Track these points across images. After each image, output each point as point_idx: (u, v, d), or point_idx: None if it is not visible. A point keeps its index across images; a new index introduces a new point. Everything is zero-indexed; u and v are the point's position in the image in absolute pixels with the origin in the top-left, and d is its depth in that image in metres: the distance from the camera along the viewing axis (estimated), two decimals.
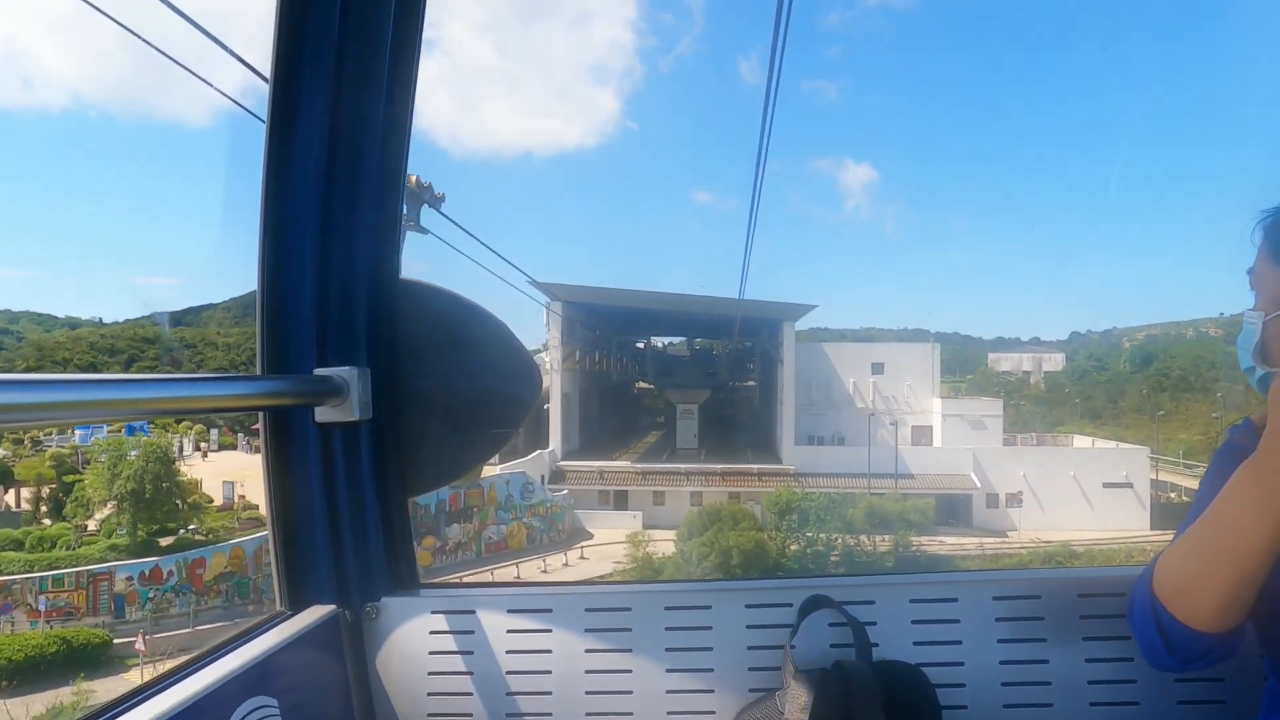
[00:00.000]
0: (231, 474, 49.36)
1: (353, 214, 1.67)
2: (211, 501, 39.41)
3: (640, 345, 59.52)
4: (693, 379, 60.28)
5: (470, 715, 1.69)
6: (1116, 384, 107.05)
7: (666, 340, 73.24)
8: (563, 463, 49.98)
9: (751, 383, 72.20)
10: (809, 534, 39.05)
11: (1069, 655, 1.59)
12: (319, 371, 1.62)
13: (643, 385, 70.16)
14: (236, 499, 40.11)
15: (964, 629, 1.63)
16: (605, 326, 58.69)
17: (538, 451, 48.64)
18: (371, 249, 1.69)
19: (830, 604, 1.63)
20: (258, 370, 1.65)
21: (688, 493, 49.40)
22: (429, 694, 1.70)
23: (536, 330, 51.52)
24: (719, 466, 49.79)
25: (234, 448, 60.93)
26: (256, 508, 40.00)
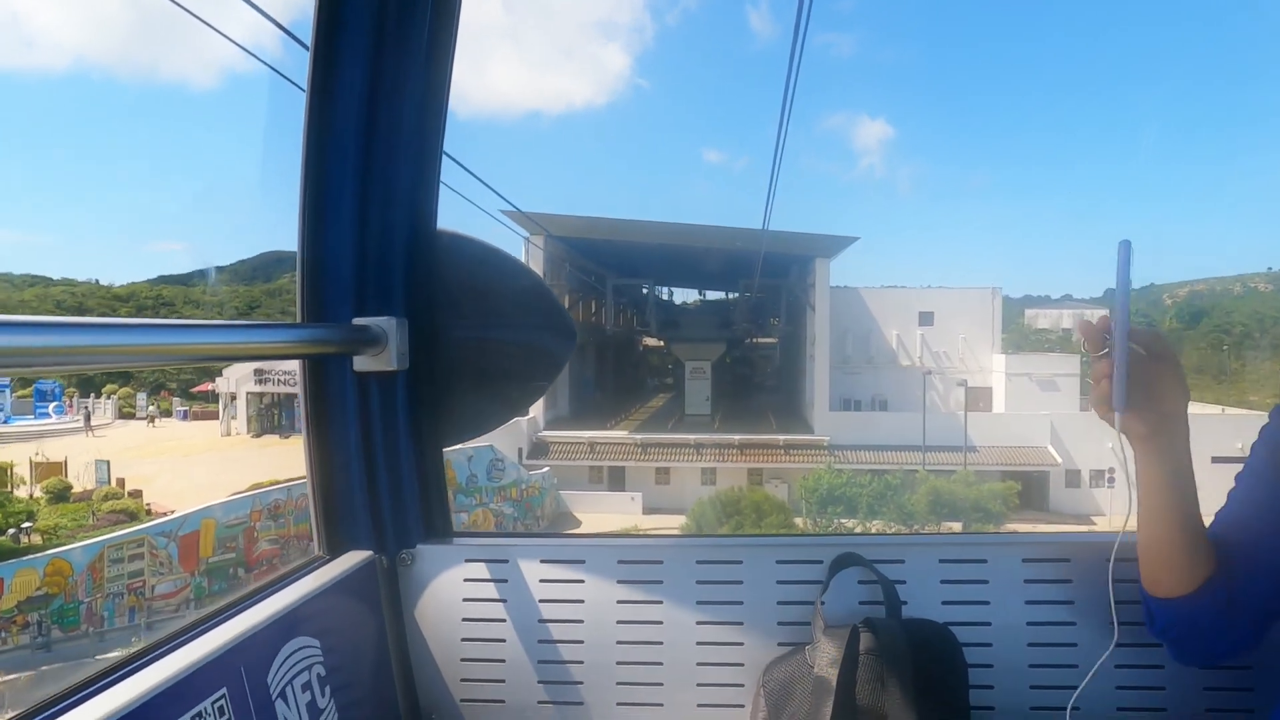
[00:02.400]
0: (134, 449, 40.19)
1: (391, 165, 1.68)
2: (69, 489, 29.98)
3: (643, 291, 49.57)
4: (704, 330, 50.95)
5: (504, 661, 1.71)
6: (1171, 342, 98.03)
7: (674, 293, 63.17)
8: (545, 433, 41.11)
9: (771, 339, 62.74)
10: (858, 529, 29.68)
11: (1097, 619, 1.59)
12: (358, 321, 1.64)
13: (650, 342, 60.69)
14: (113, 484, 30.67)
15: (992, 589, 1.64)
16: (601, 268, 49.04)
17: (513, 419, 39.06)
18: (409, 200, 1.70)
19: (860, 561, 1.64)
20: (298, 319, 1.67)
21: (698, 469, 41.53)
22: (463, 639, 1.72)
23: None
24: (736, 437, 41.22)
25: (169, 414, 51.70)
26: (137, 495, 30.60)
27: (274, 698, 1.33)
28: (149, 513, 28.79)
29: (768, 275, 44.86)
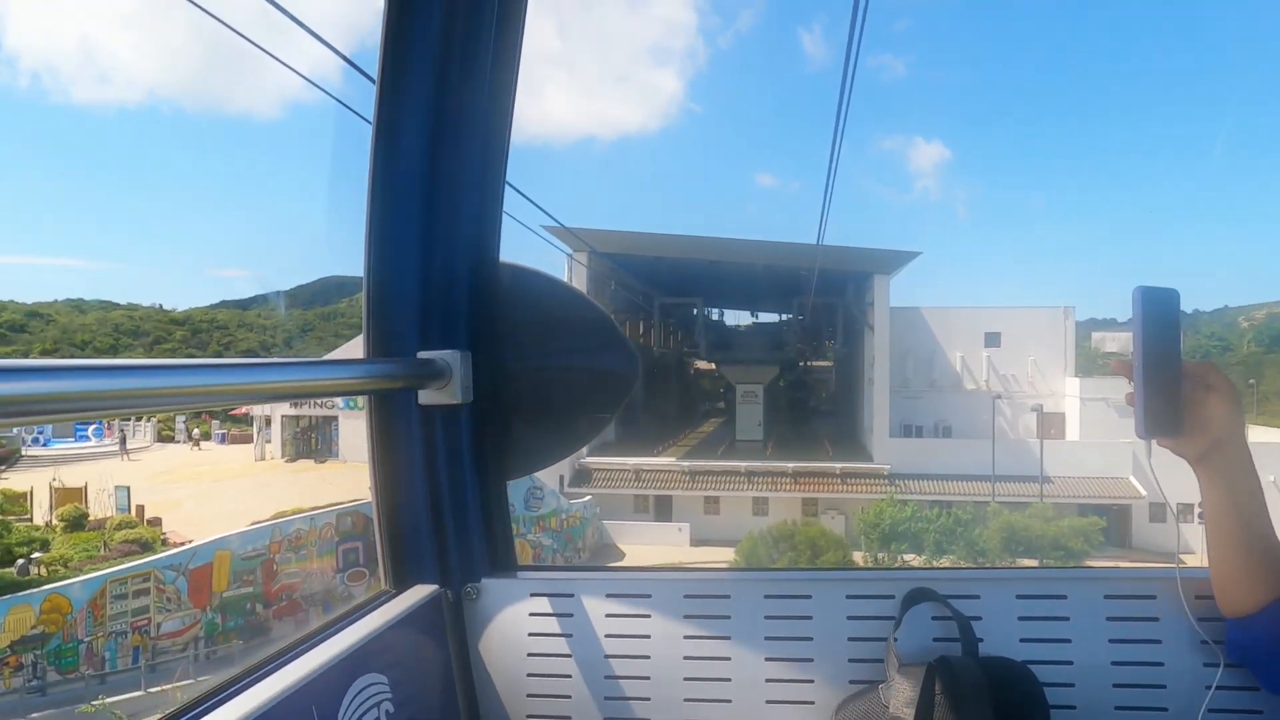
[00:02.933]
0: (166, 473, 39.06)
1: (455, 199, 1.70)
2: (85, 517, 28.60)
3: (693, 311, 47.34)
4: (756, 352, 48.70)
5: (570, 698, 1.70)
6: (1250, 366, 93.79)
7: (724, 314, 60.83)
8: (588, 459, 39.11)
9: (826, 362, 60.16)
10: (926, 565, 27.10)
11: (1185, 658, 1.53)
12: (422, 355, 1.65)
13: (702, 365, 58.57)
14: (132, 512, 29.26)
15: (1073, 627, 1.58)
16: (648, 287, 46.99)
17: (576, 451, 37.11)
18: (473, 233, 1.73)
19: (934, 597, 1.60)
20: (364, 354, 1.69)
21: (749, 498, 39.31)
22: (529, 675, 1.72)
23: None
24: (790, 465, 38.84)
25: (208, 437, 50.73)
26: (156, 524, 29.17)
27: None
28: (164, 543, 27.25)
29: (823, 294, 42.53)
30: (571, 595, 1.71)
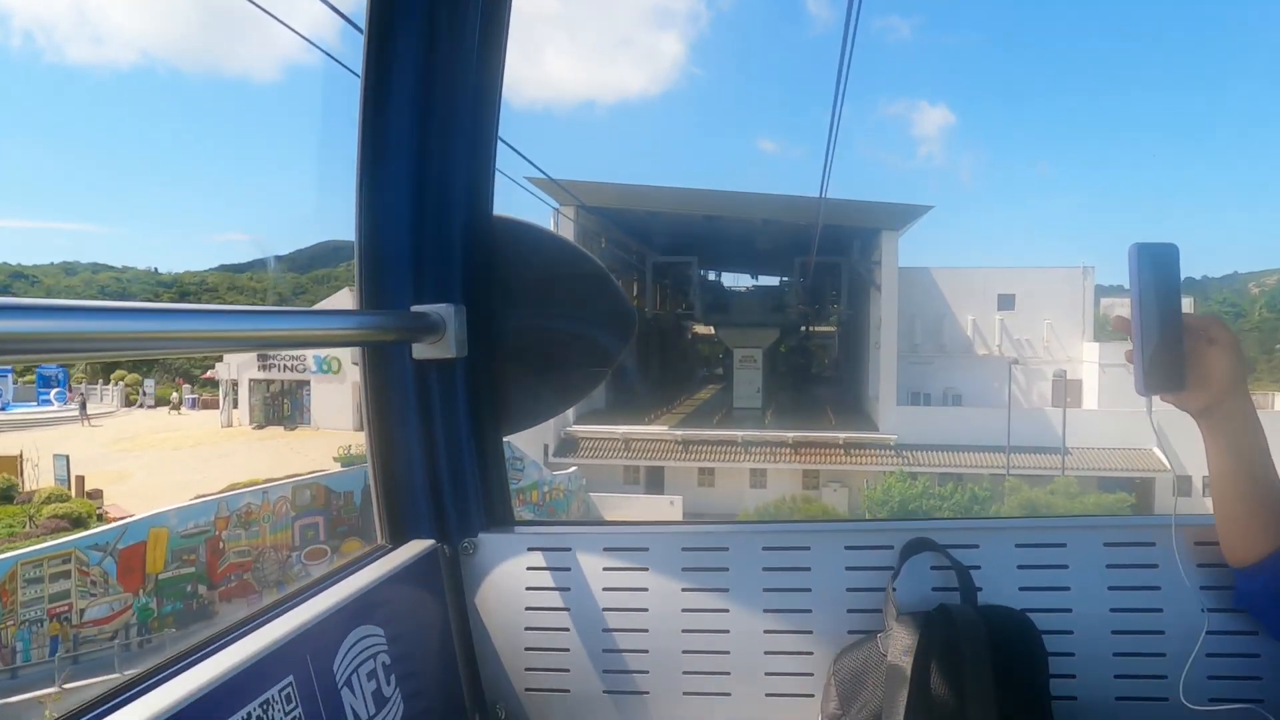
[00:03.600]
0: (126, 440, 36.58)
1: (447, 152, 1.69)
2: (14, 488, 26.12)
3: (688, 270, 44.54)
4: (755, 315, 46.00)
5: (567, 650, 1.71)
6: (1266, 331, 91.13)
7: (724, 277, 57.95)
8: (575, 427, 36.67)
9: (829, 327, 57.43)
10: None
11: (1184, 605, 1.54)
12: (416, 308, 1.64)
13: (701, 329, 56.00)
14: (71, 482, 26.74)
15: (1072, 575, 1.60)
16: (641, 245, 44.10)
17: (573, 405, 34.74)
18: (466, 186, 1.71)
19: (933, 547, 1.61)
20: (357, 306, 1.69)
21: (746, 470, 37.00)
22: (526, 628, 1.73)
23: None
24: (789, 434, 36.33)
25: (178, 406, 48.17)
26: (96, 496, 26.67)
27: (340, 686, 1.35)
28: (100, 519, 24.75)
29: (826, 252, 39.77)
30: (569, 549, 1.72)
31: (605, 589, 1.70)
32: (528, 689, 1.72)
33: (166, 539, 22.29)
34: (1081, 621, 1.57)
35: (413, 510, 1.72)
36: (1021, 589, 1.59)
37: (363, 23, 1.66)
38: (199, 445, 36.40)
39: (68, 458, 27.86)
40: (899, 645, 1.45)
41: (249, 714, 1.15)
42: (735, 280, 59.76)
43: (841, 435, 36.43)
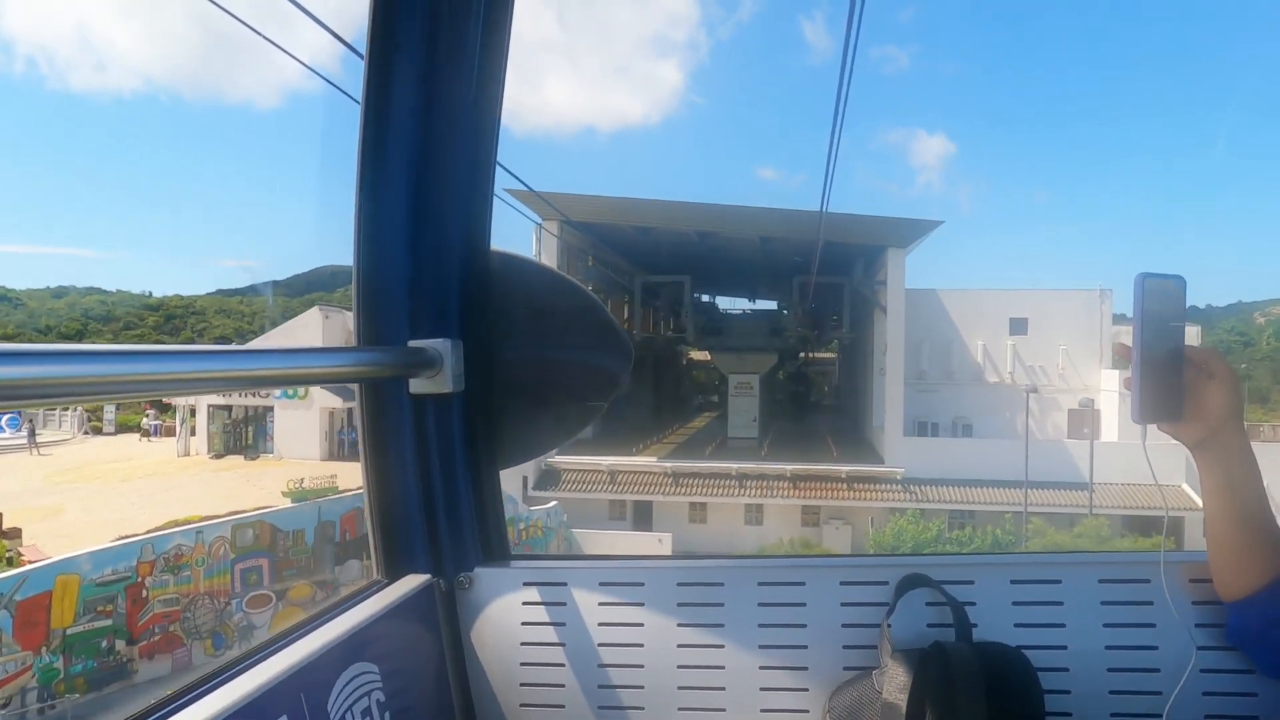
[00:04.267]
0: (71, 470, 33.89)
1: (445, 187, 1.70)
2: None
3: (680, 291, 41.89)
4: (751, 339, 43.43)
5: (563, 686, 1.72)
6: (1277, 361, 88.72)
7: (717, 300, 55.37)
8: (557, 458, 34.04)
9: (830, 354, 54.90)
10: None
11: (1179, 642, 1.54)
12: (413, 343, 1.67)
13: (697, 356, 53.53)
14: None
15: (1067, 612, 1.60)
16: (629, 263, 41.55)
17: (570, 439, 32.02)
18: (463, 221, 1.72)
19: (928, 583, 1.61)
20: (355, 342, 1.70)
21: (740, 505, 34.41)
22: (522, 664, 1.74)
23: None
24: (788, 467, 33.79)
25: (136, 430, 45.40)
26: (14, 535, 23.91)
27: None
28: (11, 562, 21.97)
29: (827, 271, 37.20)
30: (564, 584, 1.73)
31: (601, 624, 1.70)
32: None
33: (78, 588, 19.49)
34: (1077, 658, 1.58)
35: (408, 545, 1.72)
36: (1017, 625, 1.60)
37: (364, 56, 1.67)
38: (150, 477, 33.67)
39: None
40: (894, 683, 1.47)
41: None
42: (732, 304, 57.33)
43: (844, 468, 33.78)
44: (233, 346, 1.24)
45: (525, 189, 30.66)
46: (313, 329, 35.20)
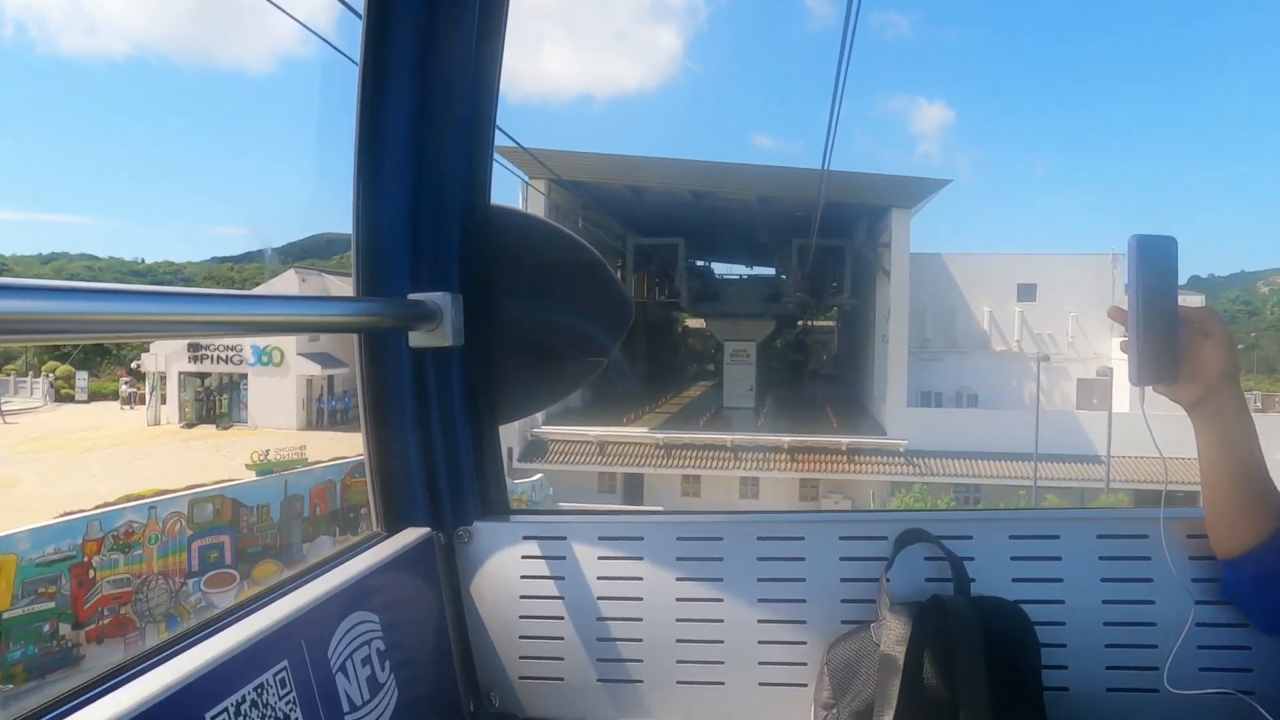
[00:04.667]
0: (36, 440, 32.31)
1: (444, 141, 1.71)
2: None
3: (674, 255, 40.09)
4: (748, 305, 41.85)
5: (562, 639, 1.73)
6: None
7: (713, 267, 53.57)
8: (544, 428, 32.48)
9: (829, 321, 53.31)
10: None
11: (1176, 598, 1.56)
12: (413, 296, 1.67)
13: (693, 323, 51.92)
14: None
15: (1065, 567, 1.62)
16: (621, 225, 39.72)
17: (568, 395, 30.65)
18: (463, 175, 1.73)
19: (927, 538, 1.63)
20: (354, 293, 1.72)
21: (736, 478, 32.73)
22: (521, 616, 1.75)
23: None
24: (785, 438, 32.30)
25: (114, 397, 43.71)
26: None
27: (334, 671, 1.35)
28: None
29: (829, 234, 35.48)
30: (564, 538, 1.74)
31: (600, 578, 1.72)
32: (522, 677, 1.75)
33: (15, 568, 17.95)
34: (1074, 613, 1.59)
35: (408, 498, 1.73)
36: (1015, 580, 1.61)
37: (362, 11, 1.66)
38: (116, 447, 32.13)
39: None
40: (892, 635, 1.47)
41: (243, 697, 1.15)
42: (728, 270, 55.54)
43: (844, 440, 32.30)
44: (231, 291, 1.21)
45: (514, 144, 28.86)
46: (291, 290, 33.65)
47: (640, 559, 1.70)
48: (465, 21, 1.65)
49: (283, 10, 7.32)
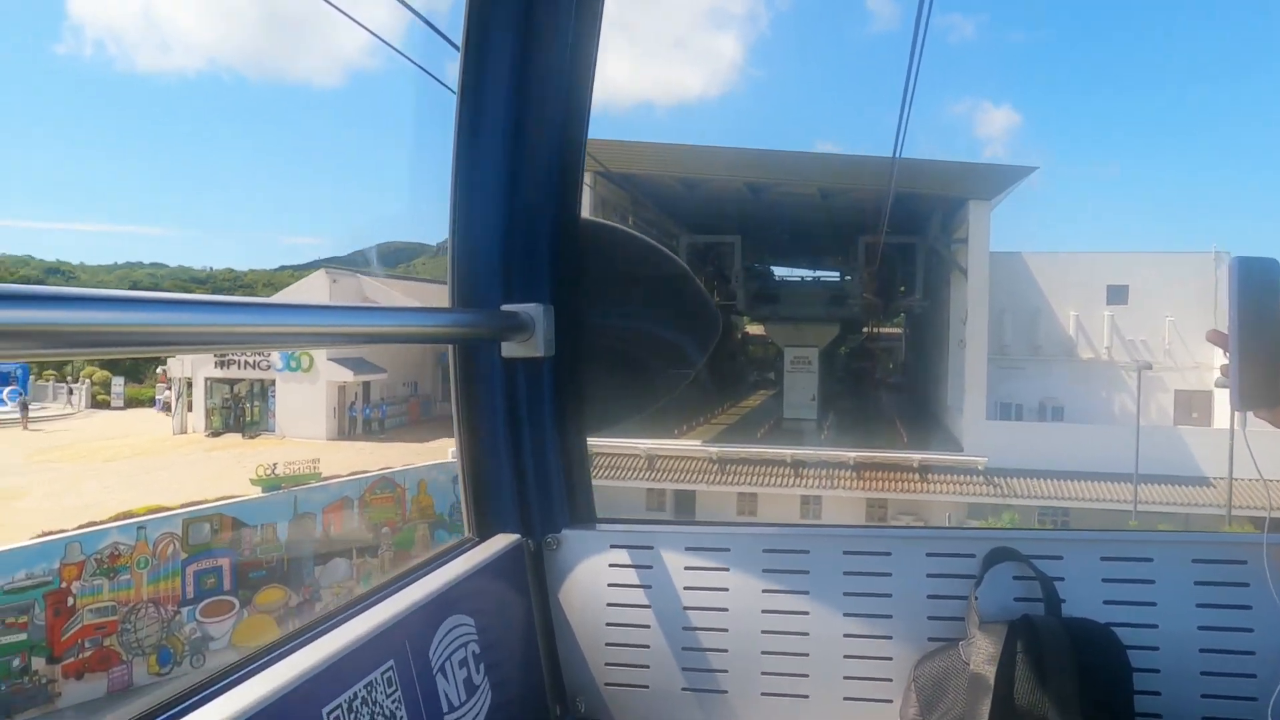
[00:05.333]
0: (57, 449, 30.92)
1: (538, 155, 1.74)
2: None
3: (729, 253, 37.41)
4: (809, 308, 38.96)
5: (648, 648, 1.74)
6: None
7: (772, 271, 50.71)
8: (590, 440, 29.16)
9: (896, 329, 50.22)
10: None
11: (1276, 625, 1.52)
12: (506, 307, 1.70)
13: (754, 329, 49.27)
14: None
15: (1159, 590, 1.59)
16: (673, 220, 37.18)
17: (654, 407, 28.35)
18: (555, 189, 1.76)
19: (1016, 557, 1.61)
20: (449, 305, 1.75)
21: (796, 496, 29.66)
22: (608, 624, 1.77)
23: None
24: (850, 453, 29.69)
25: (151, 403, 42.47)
26: None
27: (435, 672, 1.39)
28: None
29: (898, 230, 32.49)
30: (651, 547, 1.75)
31: (686, 588, 1.72)
32: (608, 683, 1.76)
33: None
34: (1168, 638, 1.55)
35: (498, 505, 1.77)
36: (1106, 602, 1.58)
37: (442, 26, 1.79)
38: (137, 457, 30.58)
39: None
40: (982, 654, 1.46)
41: (355, 694, 1.21)
42: (790, 273, 52.72)
43: (916, 456, 29.28)
44: (327, 303, 1.27)
45: None
46: (319, 293, 31.98)
47: (726, 569, 1.71)
48: (559, 42, 1.68)
49: (364, 26, 7.05)
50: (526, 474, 1.76)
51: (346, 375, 34.21)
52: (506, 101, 1.68)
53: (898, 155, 22.11)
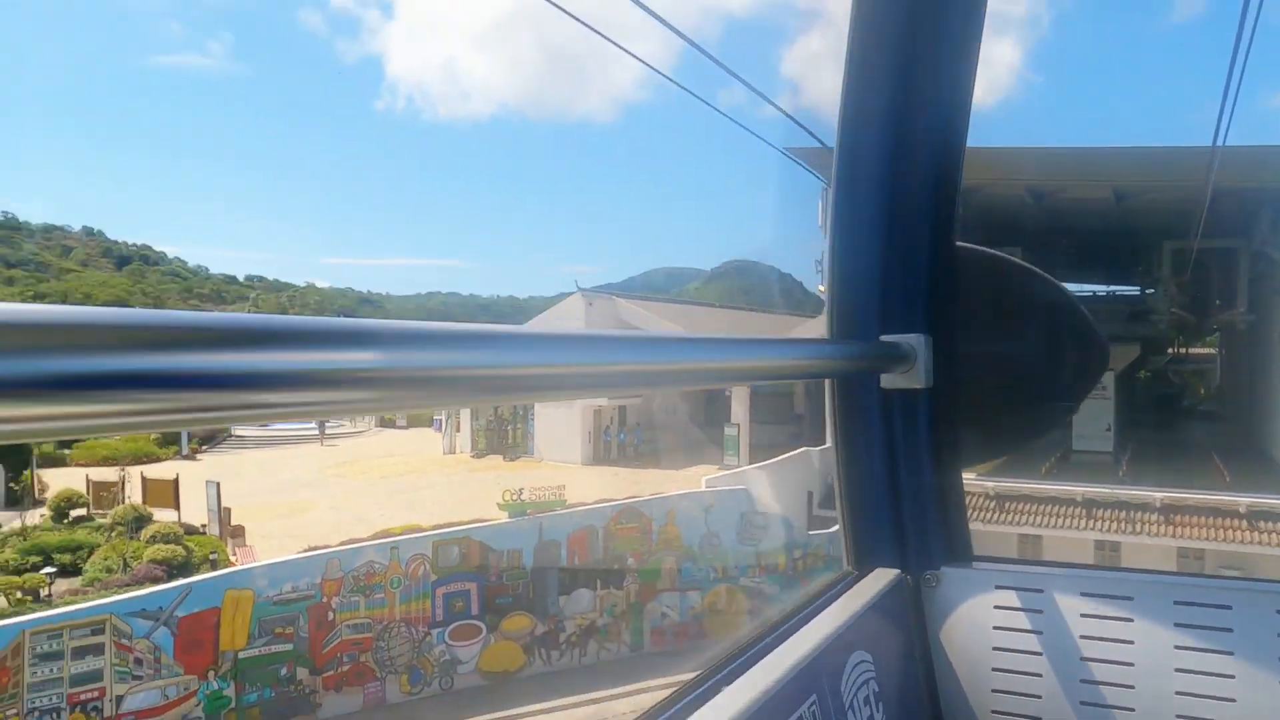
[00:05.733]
0: (343, 464, 33.30)
1: (915, 182, 1.69)
2: (143, 518, 22.24)
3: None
4: (1104, 325, 33.79)
5: (1040, 698, 1.64)
6: None
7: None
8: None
9: (1209, 349, 44.00)
10: None
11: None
12: (886, 338, 1.65)
13: None
14: (218, 515, 22.64)
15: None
16: None
17: (802, 449, 27.25)
18: (931, 216, 1.70)
19: None
20: (827, 335, 1.71)
21: (1089, 541, 25.77)
22: (994, 669, 1.67)
23: (806, 223, 31.15)
24: (1157, 494, 25.82)
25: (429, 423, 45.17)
26: (238, 534, 22.47)
27: (846, 708, 1.35)
28: (214, 564, 20.06)
29: (1214, 233, 27.97)
30: (1041, 591, 1.65)
31: (1083, 637, 1.62)
32: None
33: (251, 605, 16.95)
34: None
35: (876, 539, 1.72)
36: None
37: (844, 55, 1.62)
38: (410, 474, 32.26)
39: (218, 485, 24.04)
40: None
41: None
42: (1079, 287, 47.48)
43: (1244, 499, 24.76)
44: (696, 335, 1.17)
45: (818, 144, 25.13)
46: (575, 314, 32.72)
47: (1130, 620, 1.60)
48: (939, 61, 1.62)
49: (648, 65, 8.44)
50: (903, 508, 1.72)
51: (601, 399, 34.51)
52: (885, 126, 1.63)
53: (1221, 141, 18.69)
